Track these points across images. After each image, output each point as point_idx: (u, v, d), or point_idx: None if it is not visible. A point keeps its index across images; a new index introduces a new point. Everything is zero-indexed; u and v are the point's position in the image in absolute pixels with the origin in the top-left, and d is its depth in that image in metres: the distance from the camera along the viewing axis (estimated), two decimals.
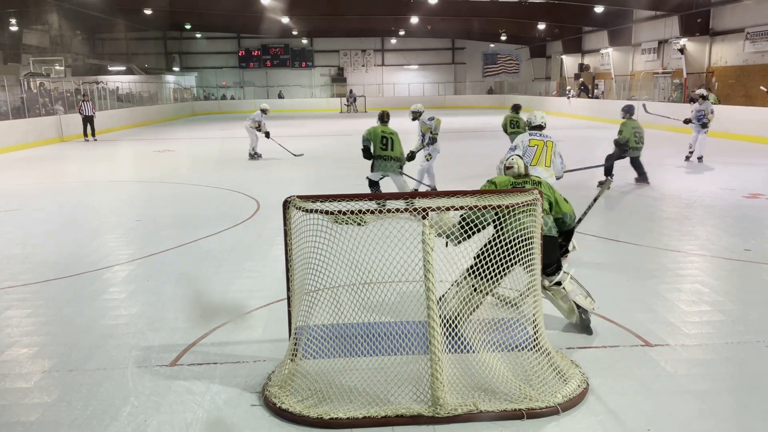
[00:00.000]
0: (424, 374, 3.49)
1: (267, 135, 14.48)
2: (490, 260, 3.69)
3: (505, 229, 3.83)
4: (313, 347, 3.77)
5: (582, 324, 4.36)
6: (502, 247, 3.67)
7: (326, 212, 3.56)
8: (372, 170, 8.29)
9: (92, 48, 35.49)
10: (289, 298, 3.78)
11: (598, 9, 26.03)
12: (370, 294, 3.80)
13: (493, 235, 3.90)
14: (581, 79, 30.50)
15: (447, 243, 3.96)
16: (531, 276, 3.81)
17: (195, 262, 6.39)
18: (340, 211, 3.58)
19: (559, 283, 4.27)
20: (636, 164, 10.36)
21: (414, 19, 31.30)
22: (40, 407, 3.55)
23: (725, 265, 5.99)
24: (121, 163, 15.71)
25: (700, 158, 13.08)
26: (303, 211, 3.59)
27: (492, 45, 40.82)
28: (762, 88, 18.15)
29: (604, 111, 25.92)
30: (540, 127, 6.81)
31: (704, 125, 12.92)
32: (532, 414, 3.30)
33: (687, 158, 13.29)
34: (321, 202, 3.66)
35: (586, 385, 3.59)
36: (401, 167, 8.26)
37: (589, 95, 29.37)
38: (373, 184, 8.35)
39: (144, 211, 9.11)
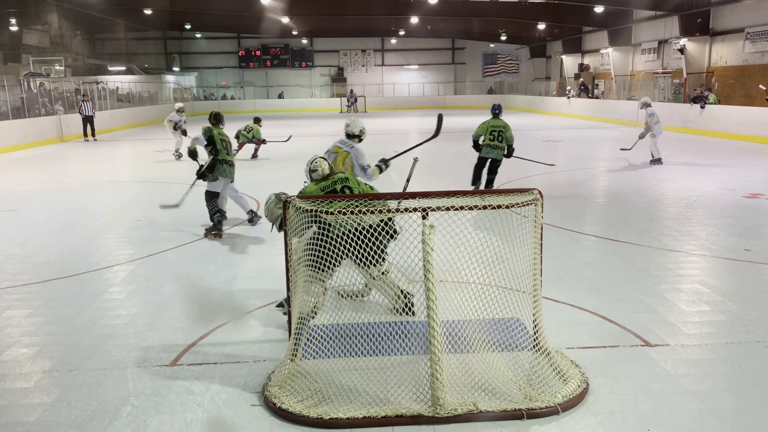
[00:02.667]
0: (424, 374, 3.49)
1: (184, 133, 14.27)
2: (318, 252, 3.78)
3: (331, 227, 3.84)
4: (313, 347, 3.78)
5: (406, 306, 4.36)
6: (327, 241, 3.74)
7: (326, 212, 3.56)
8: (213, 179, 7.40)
9: (92, 48, 35.48)
10: (289, 298, 3.78)
11: (598, 9, 26.02)
12: (370, 294, 3.80)
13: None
14: (581, 79, 30.50)
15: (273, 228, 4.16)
16: (533, 276, 3.80)
17: (195, 262, 6.40)
18: (340, 211, 3.59)
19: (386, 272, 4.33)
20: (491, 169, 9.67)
21: (414, 19, 31.30)
22: (40, 407, 3.55)
23: (725, 265, 5.99)
24: (121, 163, 15.70)
25: (658, 159, 13.00)
26: (303, 211, 3.60)
27: (492, 45, 40.82)
28: (761, 87, 18.16)
29: (604, 111, 25.95)
30: (349, 136, 6.02)
31: (646, 130, 13.07)
32: (532, 414, 3.30)
33: (653, 162, 13.17)
34: (321, 202, 3.66)
35: (586, 385, 3.59)
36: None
37: (589, 95, 29.37)
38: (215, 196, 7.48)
39: (144, 211, 9.11)
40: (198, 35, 40.99)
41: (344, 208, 3.54)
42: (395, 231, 3.99)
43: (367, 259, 3.83)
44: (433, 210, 3.43)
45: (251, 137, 14.34)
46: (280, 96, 40.66)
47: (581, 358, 3.96)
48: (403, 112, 35.42)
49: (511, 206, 3.59)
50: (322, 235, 3.77)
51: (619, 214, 8.55)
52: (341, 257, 3.82)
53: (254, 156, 14.77)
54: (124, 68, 35.46)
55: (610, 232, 7.39)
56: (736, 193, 9.41)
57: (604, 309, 4.80)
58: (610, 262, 6.25)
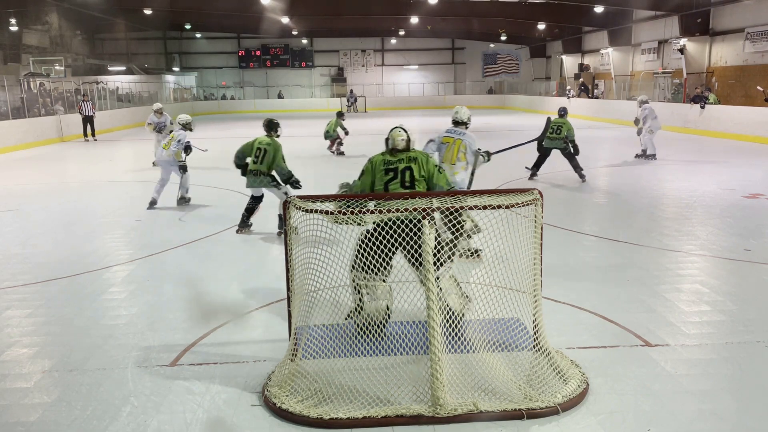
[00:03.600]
0: (424, 374, 3.49)
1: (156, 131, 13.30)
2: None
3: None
4: (313, 347, 3.78)
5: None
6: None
7: (326, 212, 3.56)
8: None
9: (92, 48, 35.48)
10: (289, 298, 3.78)
11: (598, 9, 26.02)
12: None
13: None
14: (581, 79, 30.50)
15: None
16: (533, 276, 3.80)
17: (195, 262, 6.39)
18: (340, 211, 3.59)
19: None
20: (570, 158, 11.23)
21: (414, 19, 31.29)
22: (40, 407, 3.55)
23: (725, 265, 5.99)
24: (121, 163, 15.70)
25: (648, 155, 13.30)
26: (303, 211, 3.59)
27: (492, 45, 40.81)
28: (759, 88, 18.16)
29: (604, 111, 25.95)
30: (457, 123, 6.41)
31: (640, 129, 13.37)
32: (532, 414, 3.30)
33: (647, 157, 13.48)
34: (321, 202, 3.67)
35: (586, 385, 3.59)
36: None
37: (589, 95, 29.37)
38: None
39: (144, 211, 9.10)
40: (198, 35, 40.99)
41: (342, 208, 3.55)
42: (460, 227, 3.90)
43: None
44: (433, 210, 3.42)
45: (328, 133, 14.77)
46: (279, 96, 40.66)
47: (581, 358, 3.96)
48: (403, 112, 35.40)
49: (511, 206, 3.59)
50: (378, 233, 3.71)
51: (619, 214, 8.55)
52: (394, 253, 3.80)
53: (338, 153, 14.95)
54: (124, 68, 35.47)
55: (610, 232, 7.39)
56: (736, 193, 9.41)
57: (604, 309, 4.80)
58: (610, 262, 6.25)
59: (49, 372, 3.98)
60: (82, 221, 8.61)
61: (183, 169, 9.01)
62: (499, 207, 3.57)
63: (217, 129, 25.55)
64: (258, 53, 41.79)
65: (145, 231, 7.87)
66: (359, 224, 3.64)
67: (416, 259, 3.72)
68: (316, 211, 3.56)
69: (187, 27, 35.89)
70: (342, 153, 15.28)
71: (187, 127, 9.28)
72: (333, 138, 15.38)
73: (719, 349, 4.13)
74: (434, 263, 3.43)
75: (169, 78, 38.98)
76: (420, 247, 3.52)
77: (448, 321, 3.65)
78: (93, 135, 21.04)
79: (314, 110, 38.06)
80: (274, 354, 4.12)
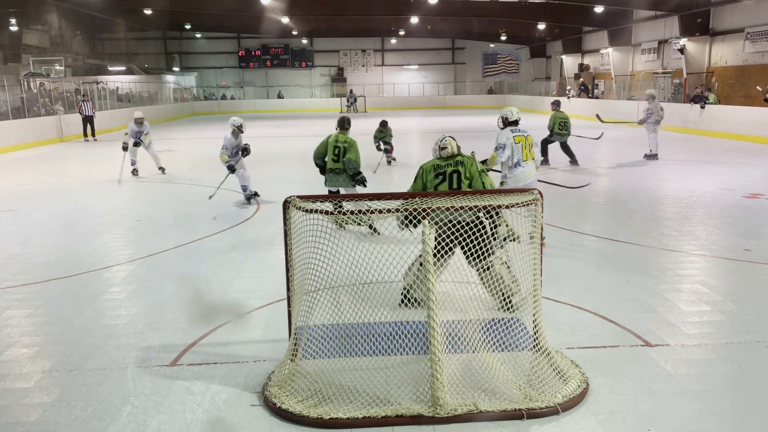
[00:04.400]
0: (424, 374, 3.49)
1: (133, 145, 12.88)
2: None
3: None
4: (313, 347, 3.77)
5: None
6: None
7: (326, 212, 3.56)
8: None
9: (92, 48, 35.48)
10: (289, 298, 3.78)
11: (598, 9, 26.02)
12: (370, 294, 3.80)
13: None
14: (581, 79, 30.50)
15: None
16: (533, 276, 3.80)
17: (195, 262, 6.39)
18: (340, 212, 3.59)
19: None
20: (564, 148, 12.85)
21: (414, 19, 31.30)
22: (40, 407, 3.55)
23: (725, 265, 5.99)
24: (121, 163, 15.68)
25: (655, 156, 13.36)
26: (303, 211, 3.59)
27: (492, 45, 40.83)
28: (758, 88, 18.17)
29: (604, 111, 25.90)
30: (516, 123, 6.71)
31: (657, 122, 13.41)
32: (532, 414, 3.30)
33: (647, 156, 13.58)
34: (321, 202, 3.66)
35: (586, 385, 3.59)
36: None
37: (589, 95, 29.37)
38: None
39: (144, 211, 9.11)
40: (198, 35, 41.00)
41: (337, 208, 3.56)
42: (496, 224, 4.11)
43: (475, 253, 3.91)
44: (433, 210, 3.42)
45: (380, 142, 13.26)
46: (279, 96, 40.66)
47: (581, 358, 3.96)
48: (403, 112, 35.40)
49: (511, 206, 3.59)
50: (439, 236, 3.88)
51: (619, 214, 8.55)
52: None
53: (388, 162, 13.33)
54: (124, 68, 35.47)
55: (610, 232, 7.39)
56: (736, 193, 9.41)
57: (604, 309, 4.80)
58: (610, 262, 6.25)
59: (49, 372, 3.98)
60: (82, 221, 8.61)
61: (230, 169, 8.90)
62: (499, 207, 3.57)
63: (217, 129, 25.55)
64: (258, 53, 41.80)
65: (145, 231, 7.86)
66: (359, 224, 3.64)
67: (475, 257, 4.04)
68: (316, 211, 3.56)
69: (187, 27, 35.91)
70: (391, 161, 13.48)
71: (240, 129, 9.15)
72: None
73: (719, 349, 4.13)
74: (483, 253, 3.81)
75: (169, 78, 38.98)
76: (478, 244, 3.80)
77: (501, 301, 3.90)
78: (93, 135, 21.04)
79: (314, 110, 38.07)
80: (274, 354, 4.12)
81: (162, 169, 13.08)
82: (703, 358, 3.99)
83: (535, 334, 3.79)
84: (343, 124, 7.52)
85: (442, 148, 4.73)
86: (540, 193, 3.71)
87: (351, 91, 37.73)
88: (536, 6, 28.00)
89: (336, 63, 42.88)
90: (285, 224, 3.71)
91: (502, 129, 6.64)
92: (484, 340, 3.78)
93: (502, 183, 6.55)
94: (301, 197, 3.71)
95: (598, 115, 15.44)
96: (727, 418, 3.32)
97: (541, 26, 31.45)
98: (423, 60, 42.81)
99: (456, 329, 3.79)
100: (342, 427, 3.26)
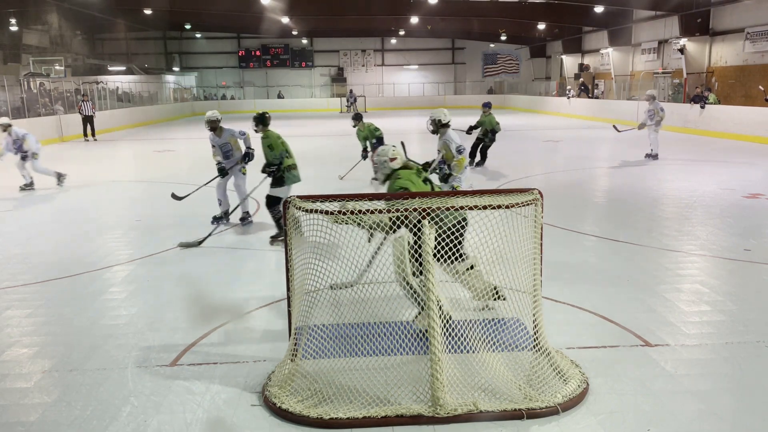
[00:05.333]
0: (424, 374, 3.49)
1: (21, 159, 10.88)
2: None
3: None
4: (313, 347, 3.77)
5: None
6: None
7: (326, 212, 3.56)
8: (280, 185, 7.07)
9: (92, 48, 35.47)
10: (289, 298, 3.78)
11: (598, 9, 26.02)
12: (370, 294, 3.80)
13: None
14: (581, 79, 30.50)
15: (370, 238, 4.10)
16: (533, 276, 3.80)
17: (195, 262, 6.39)
18: (340, 211, 3.59)
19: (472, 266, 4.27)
20: (485, 150, 12.81)
21: (414, 19, 31.28)
22: (40, 407, 3.55)
23: (725, 265, 5.99)
24: (121, 163, 15.70)
25: (655, 156, 13.38)
26: (303, 211, 3.59)
27: (492, 45, 40.81)
28: (760, 87, 18.16)
29: (604, 111, 25.93)
30: (449, 125, 6.52)
31: (658, 123, 13.44)
32: (532, 414, 3.30)
33: (648, 156, 13.62)
34: (321, 202, 3.66)
35: (586, 385, 3.59)
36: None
37: (589, 95, 29.37)
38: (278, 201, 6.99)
39: (144, 211, 9.11)
40: (198, 35, 40.97)
41: (341, 208, 3.55)
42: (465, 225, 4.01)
43: (447, 256, 3.80)
44: (433, 210, 3.42)
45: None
46: (279, 96, 40.66)
47: (581, 358, 3.96)
48: (403, 112, 35.39)
49: (511, 206, 3.59)
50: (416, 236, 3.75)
51: (619, 214, 8.55)
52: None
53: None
54: (124, 68, 35.46)
55: (610, 232, 7.39)
56: (736, 193, 9.40)
57: (604, 309, 4.80)
58: (610, 262, 6.25)
59: (49, 372, 3.98)
60: (82, 221, 8.61)
61: (221, 172, 8.07)
62: (499, 207, 3.57)
63: None
64: (258, 53, 41.77)
65: (145, 231, 7.86)
66: (359, 224, 3.64)
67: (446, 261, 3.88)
68: (316, 211, 3.56)
69: (187, 27, 35.88)
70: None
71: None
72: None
73: (719, 349, 4.13)
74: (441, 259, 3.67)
75: (169, 78, 38.97)
76: (439, 244, 3.68)
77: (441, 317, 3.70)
78: (93, 135, 21.03)
79: (314, 110, 38.06)
80: (274, 354, 4.12)
81: (59, 177, 11.17)
82: (703, 358, 3.99)
83: (535, 334, 3.79)
84: (265, 121, 7.26)
85: (393, 159, 4.45)
86: (540, 193, 3.71)
87: (351, 91, 37.70)
88: (536, 6, 27.99)
89: (336, 63, 42.87)
90: (285, 224, 3.71)
91: (445, 131, 6.37)
92: (484, 340, 3.78)
93: (455, 188, 6.31)
94: (301, 197, 3.72)
95: (615, 126, 15.20)
96: (727, 418, 3.32)
97: (541, 26, 31.44)
98: (423, 60, 42.80)
99: (456, 329, 3.79)
100: (342, 427, 3.26)
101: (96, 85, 26.35)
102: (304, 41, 41.70)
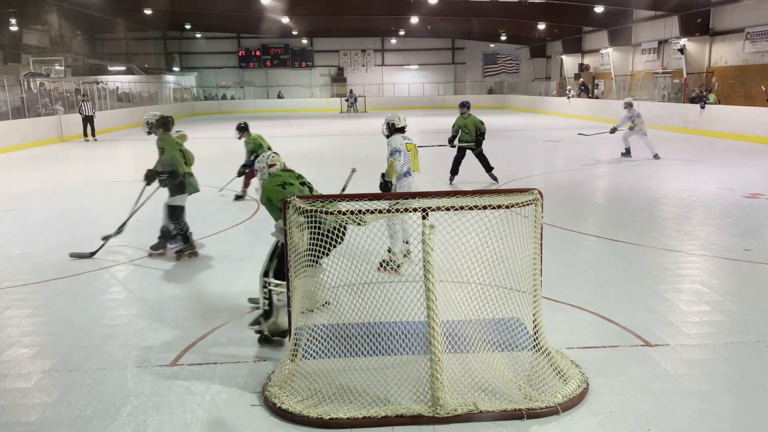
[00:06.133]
0: (424, 374, 3.49)
1: None
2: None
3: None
4: (313, 347, 3.77)
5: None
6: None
7: (326, 212, 3.56)
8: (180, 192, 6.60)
9: (92, 48, 35.48)
10: (289, 298, 3.78)
11: (598, 9, 26.02)
12: (370, 294, 3.80)
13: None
14: (581, 79, 30.51)
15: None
16: (533, 276, 3.80)
17: (195, 262, 6.39)
18: (339, 211, 3.59)
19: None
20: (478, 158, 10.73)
21: (414, 19, 31.30)
22: (40, 407, 3.55)
23: (725, 265, 5.99)
24: (121, 163, 15.70)
25: (656, 156, 13.52)
26: (303, 211, 3.59)
27: (492, 45, 40.82)
28: (762, 88, 18.16)
29: (604, 111, 25.93)
30: (403, 130, 6.21)
31: (630, 128, 13.67)
32: (532, 414, 3.30)
33: (623, 154, 13.87)
34: (321, 202, 3.66)
35: (586, 385, 3.59)
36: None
37: (589, 95, 29.37)
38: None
39: (144, 211, 9.09)
40: (198, 35, 40.98)
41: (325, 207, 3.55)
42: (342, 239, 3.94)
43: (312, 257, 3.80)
44: (433, 210, 3.42)
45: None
46: (279, 96, 40.67)
47: (581, 358, 3.96)
48: (402, 112, 35.35)
49: (511, 206, 3.59)
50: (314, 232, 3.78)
51: (619, 214, 8.55)
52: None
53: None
54: (124, 68, 35.47)
55: (610, 232, 7.39)
56: (736, 193, 9.41)
57: (604, 309, 4.80)
58: (610, 262, 6.25)
59: (49, 372, 3.98)
60: (82, 221, 8.61)
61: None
62: (499, 207, 3.57)
63: (217, 129, 25.55)
64: (258, 53, 41.78)
65: (145, 231, 7.85)
66: (359, 224, 3.64)
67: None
68: (316, 211, 3.56)
69: (187, 27, 35.91)
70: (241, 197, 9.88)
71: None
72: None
73: (719, 349, 4.13)
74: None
75: (169, 78, 38.98)
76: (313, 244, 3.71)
77: None
78: (93, 135, 21.04)
79: (314, 110, 38.08)
80: (274, 354, 4.12)
81: None
82: (703, 358, 3.99)
83: (535, 334, 3.79)
84: (167, 126, 6.68)
85: (272, 165, 4.48)
86: (540, 193, 3.71)
87: (351, 91, 37.73)
88: (536, 6, 28.00)
89: (336, 63, 42.87)
90: (285, 224, 3.71)
91: (389, 136, 6.15)
92: (484, 340, 3.78)
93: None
94: (300, 197, 3.72)
95: (581, 133, 15.30)
96: (727, 418, 3.32)
97: (541, 26, 31.45)
98: (423, 60, 42.80)
99: (456, 329, 3.79)
100: (342, 427, 3.26)
101: (96, 85, 26.36)
102: (304, 41, 41.71)
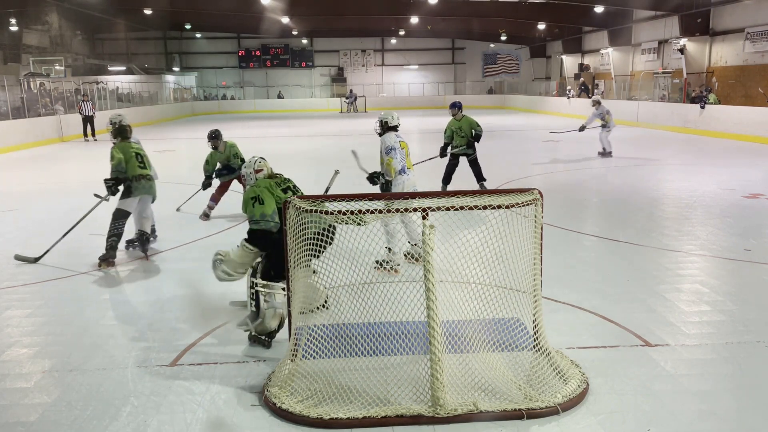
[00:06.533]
0: (424, 374, 3.49)
1: None
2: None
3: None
4: (313, 347, 3.77)
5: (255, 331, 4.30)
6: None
7: (326, 212, 3.56)
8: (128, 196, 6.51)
9: (92, 48, 35.48)
10: (289, 298, 3.78)
11: (598, 9, 26.02)
12: (370, 294, 3.80)
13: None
14: (582, 79, 30.51)
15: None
16: (533, 276, 3.80)
17: (195, 262, 6.39)
18: (339, 211, 3.59)
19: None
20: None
21: (414, 19, 31.30)
22: (40, 407, 3.55)
23: (725, 265, 5.99)
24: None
25: (609, 153, 13.82)
26: (303, 211, 3.59)
27: (492, 45, 40.81)
28: (760, 90, 18.17)
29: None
30: (396, 128, 6.19)
31: (603, 126, 13.93)
32: (532, 414, 3.30)
33: (600, 153, 14.08)
34: (321, 202, 3.66)
35: (586, 385, 3.59)
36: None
37: (590, 95, 29.36)
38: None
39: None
40: (198, 35, 40.97)
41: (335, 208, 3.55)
42: (332, 239, 3.96)
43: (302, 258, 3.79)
44: (433, 210, 3.42)
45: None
46: (279, 96, 40.67)
47: (581, 358, 3.96)
48: (403, 112, 35.34)
49: (511, 206, 3.59)
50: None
51: (619, 214, 8.55)
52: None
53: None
54: (124, 68, 35.47)
55: (610, 232, 7.39)
56: (736, 193, 9.41)
57: (604, 309, 4.80)
58: (610, 262, 6.25)
59: (49, 372, 3.98)
60: (82, 221, 8.59)
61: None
62: (499, 207, 3.57)
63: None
64: (258, 53, 41.77)
65: None
66: (359, 224, 3.64)
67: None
68: (315, 211, 3.56)
69: (187, 27, 35.89)
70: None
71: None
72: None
73: (719, 349, 4.13)
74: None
75: (169, 78, 38.97)
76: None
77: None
78: (93, 135, 21.03)
79: (314, 110, 38.08)
80: (274, 354, 4.12)
81: None
82: (703, 358, 3.99)
83: (535, 334, 3.79)
84: (125, 133, 6.68)
85: (259, 170, 4.46)
86: (540, 193, 3.71)
87: (351, 91, 37.73)
88: (536, 6, 28.00)
89: (336, 63, 42.87)
90: (285, 224, 3.71)
91: (382, 134, 6.11)
92: (484, 340, 3.78)
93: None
94: (300, 197, 3.72)
95: (552, 132, 15.43)
96: (727, 418, 3.32)
97: (541, 26, 31.46)
98: (423, 60, 42.80)
99: (456, 329, 3.79)
100: (342, 427, 3.26)
101: (96, 85, 26.35)
102: (304, 41, 41.70)
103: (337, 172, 6.14)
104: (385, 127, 6.15)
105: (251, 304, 4.35)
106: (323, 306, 4.19)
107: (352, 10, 30.11)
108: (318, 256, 3.80)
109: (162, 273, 6.08)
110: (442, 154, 9.41)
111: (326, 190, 5.94)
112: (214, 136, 8.47)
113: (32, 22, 28.09)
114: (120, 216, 6.43)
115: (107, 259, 6.30)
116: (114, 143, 6.64)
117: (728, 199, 9.05)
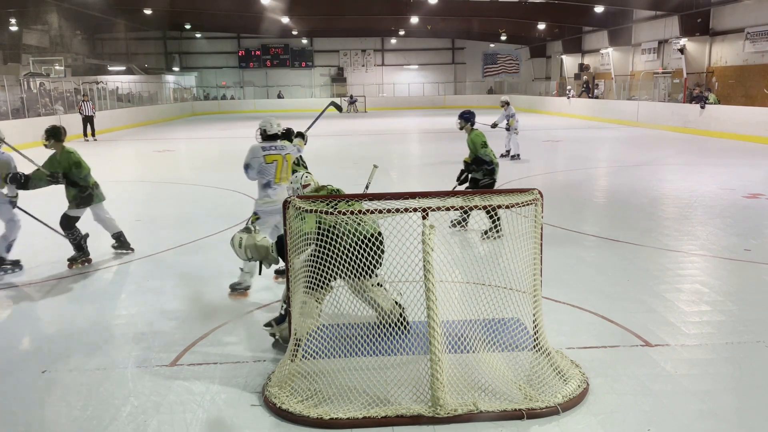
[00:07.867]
0: (424, 374, 3.49)
1: None
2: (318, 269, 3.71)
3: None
4: (313, 347, 3.77)
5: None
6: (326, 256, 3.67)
7: (326, 212, 3.56)
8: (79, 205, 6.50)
9: (92, 48, 35.49)
10: (289, 298, 3.78)
11: (598, 9, 26.04)
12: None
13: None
14: (585, 78, 30.53)
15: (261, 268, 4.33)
16: (533, 276, 3.80)
17: (195, 262, 6.39)
18: (339, 211, 3.59)
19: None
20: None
21: (414, 19, 31.31)
22: (41, 407, 3.55)
23: (725, 265, 5.99)
24: (121, 163, 15.70)
25: (515, 155, 13.69)
26: (303, 211, 3.59)
27: (492, 45, 40.83)
28: (765, 90, 18.18)
29: (604, 111, 25.95)
30: (276, 137, 5.49)
31: (507, 129, 13.93)
32: (532, 414, 3.30)
33: (503, 155, 13.67)
34: (321, 202, 3.66)
35: (586, 385, 3.59)
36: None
37: (590, 95, 29.39)
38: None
39: (144, 211, 9.10)
40: (198, 35, 40.99)
41: (343, 209, 3.54)
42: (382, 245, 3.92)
43: (361, 270, 3.74)
44: (433, 210, 3.42)
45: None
46: (279, 96, 40.68)
47: (581, 358, 3.96)
48: (403, 112, 35.41)
49: (511, 206, 3.59)
50: (320, 251, 3.70)
51: (619, 214, 8.55)
52: (337, 273, 3.73)
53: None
54: (124, 68, 35.47)
55: (610, 232, 7.39)
56: (736, 193, 9.41)
57: (604, 309, 4.80)
58: (610, 262, 6.25)
59: (49, 372, 3.98)
60: (82, 221, 8.59)
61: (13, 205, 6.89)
62: (499, 207, 3.57)
63: (217, 129, 25.56)
64: (258, 53, 41.79)
65: (145, 231, 7.86)
66: (359, 224, 3.64)
67: (358, 275, 3.85)
68: (315, 211, 3.56)
69: (187, 27, 35.93)
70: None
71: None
72: None
73: (719, 349, 4.13)
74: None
75: (169, 78, 38.98)
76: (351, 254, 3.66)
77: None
78: (93, 135, 21.04)
79: (314, 110, 38.03)
80: (274, 354, 4.12)
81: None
82: (703, 358, 3.99)
83: (535, 334, 3.79)
84: (59, 136, 6.60)
85: (306, 185, 4.30)
86: (540, 193, 3.71)
87: (351, 96, 37.62)
88: (536, 6, 28.02)
89: (336, 63, 42.88)
90: (285, 224, 3.71)
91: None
92: (484, 340, 3.78)
93: (254, 214, 5.56)
94: (300, 197, 3.72)
95: (494, 124, 15.17)
96: (727, 418, 3.32)
97: (541, 26, 31.47)
98: (423, 60, 42.81)
99: (456, 329, 3.79)
100: (342, 427, 3.26)
101: (96, 85, 26.36)
102: (304, 41, 41.72)
103: (375, 167, 5.88)
104: (264, 136, 5.42)
105: (282, 306, 4.29)
106: (402, 324, 4.00)
107: (352, 10, 30.13)
108: (378, 266, 3.73)
109: (162, 273, 6.08)
110: (462, 179, 7.24)
111: (366, 186, 5.61)
112: (47, 133, 7.17)
113: (32, 22, 28.10)
114: (74, 224, 6.51)
115: (77, 259, 6.33)
116: (65, 147, 6.69)
117: (728, 199, 9.05)
